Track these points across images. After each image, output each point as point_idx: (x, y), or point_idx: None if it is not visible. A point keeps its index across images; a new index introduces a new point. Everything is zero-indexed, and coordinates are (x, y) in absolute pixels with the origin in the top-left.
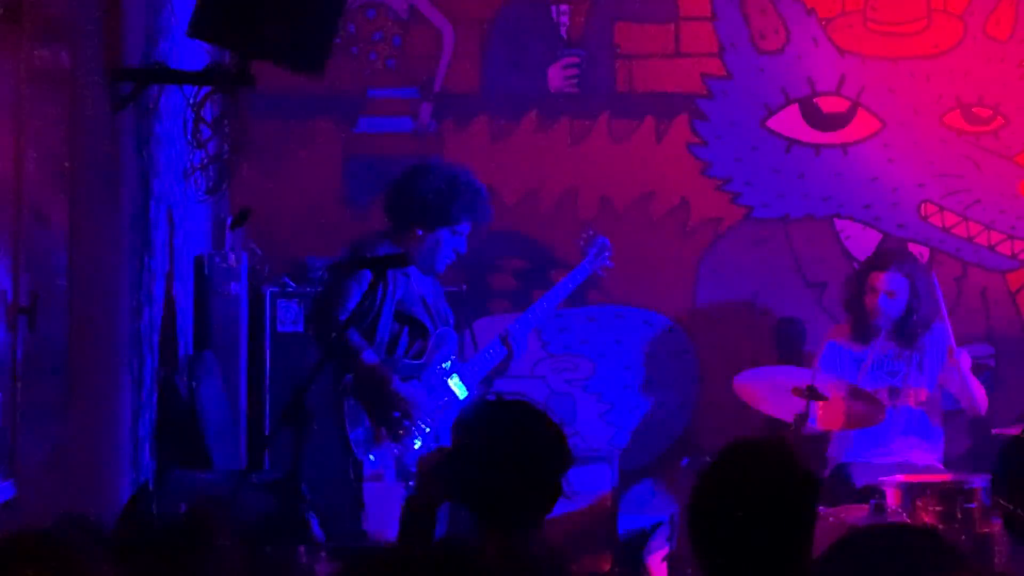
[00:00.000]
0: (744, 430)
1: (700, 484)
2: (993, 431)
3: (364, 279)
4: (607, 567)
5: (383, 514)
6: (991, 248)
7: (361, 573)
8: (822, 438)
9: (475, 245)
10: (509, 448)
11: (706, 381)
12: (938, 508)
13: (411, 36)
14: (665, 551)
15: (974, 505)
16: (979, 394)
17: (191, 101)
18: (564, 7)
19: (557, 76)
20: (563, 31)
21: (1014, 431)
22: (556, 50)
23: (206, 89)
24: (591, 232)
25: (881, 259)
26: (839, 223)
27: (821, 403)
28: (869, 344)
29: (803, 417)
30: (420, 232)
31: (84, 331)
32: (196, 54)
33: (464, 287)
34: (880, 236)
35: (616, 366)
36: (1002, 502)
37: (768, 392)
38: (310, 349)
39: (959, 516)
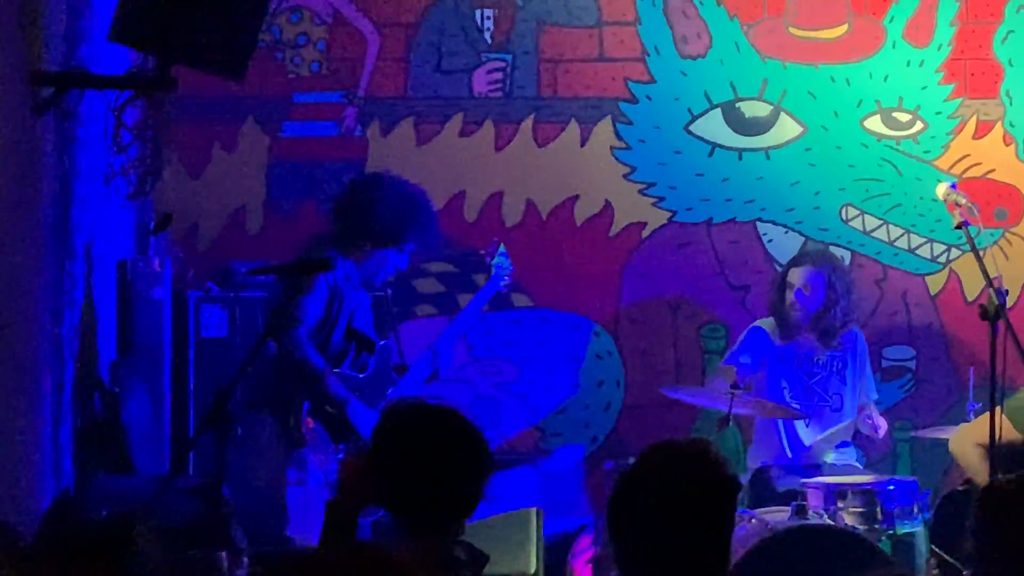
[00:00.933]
0: (669, 432)
1: (620, 486)
2: (913, 433)
3: (319, 292)
4: (531, 570)
5: (306, 519)
6: (912, 251)
7: None
8: (743, 438)
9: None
10: (429, 452)
11: (631, 384)
12: (859, 510)
13: (336, 40)
14: (590, 554)
15: (894, 507)
16: (882, 428)
17: (112, 105)
18: (489, 12)
19: (482, 80)
20: (488, 36)
21: (935, 434)
22: (481, 55)
23: (128, 93)
24: (495, 245)
25: (799, 256)
26: (762, 226)
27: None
28: (792, 342)
29: (726, 419)
30: (369, 247)
31: (3, 336)
32: (118, 58)
33: (389, 292)
34: (802, 239)
35: (541, 369)
36: (936, 550)
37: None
38: (234, 354)
39: (879, 517)
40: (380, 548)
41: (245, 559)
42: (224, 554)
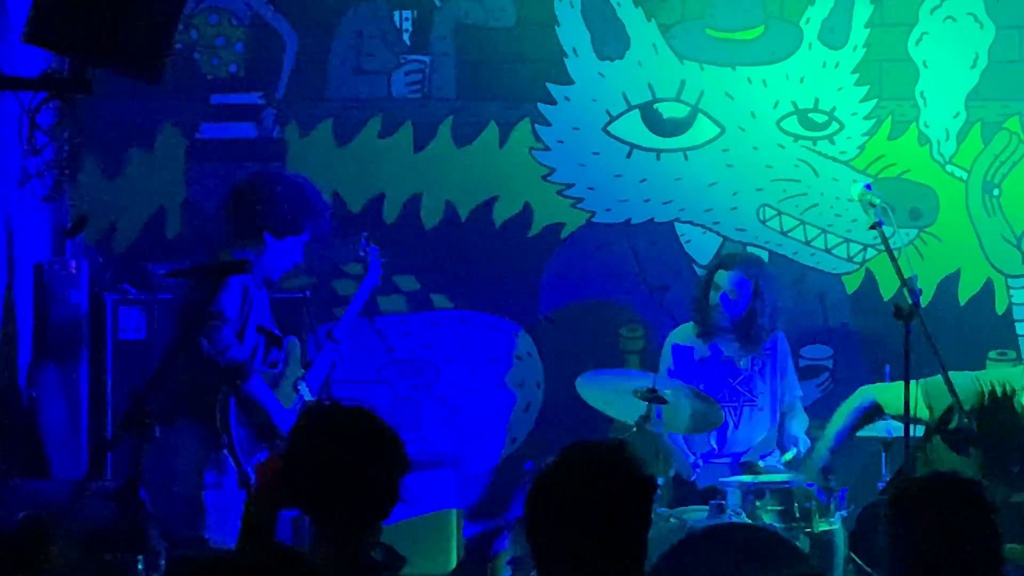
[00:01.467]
0: (589, 432)
1: (537, 486)
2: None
3: (234, 290)
4: (450, 572)
5: (224, 522)
6: (828, 251)
7: None
8: (665, 440)
9: (320, 251)
10: (344, 453)
11: (551, 384)
12: (777, 508)
13: (254, 42)
14: (509, 555)
15: (812, 504)
16: (801, 430)
17: (26, 107)
18: (407, 13)
19: (401, 82)
20: (407, 37)
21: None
22: (399, 56)
23: (42, 95)
24: (364, 241)
25: (727, 259)
26: (680, 227)
27: (663, 406)
28: (712, 343)
29: (645, 419)
30: (269, 240)
31: None
32: (32, 59)
33: (308, 293)
34: (720, 240)
35: (461, 371)
36: (856, 559)
37: (611, 395)
38: (152, 356)
39: (798, 516)
40: (295, 550)
41: (162, 562)
42: (141, 557)
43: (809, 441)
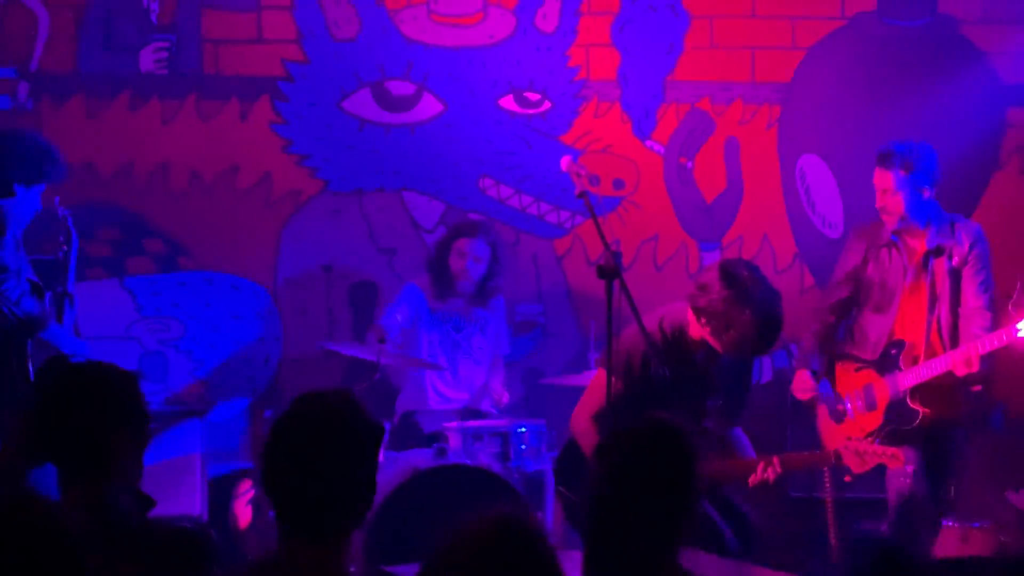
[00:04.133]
0: (325, 383)
1: (272, 433)
2: (541, 381)
3: (9, 243)
4: (197, 510)
5: None
6: (540, 218)
7: None
8: (394, 389)
9: (77, 216)
10: (84, 405)
11: (289, 339)
12: (494, 450)
13: (8, 19)
14: (250, 495)
15: (525, 446)
16: (504, 399)
17: None
18: None
19: (148, 59)
20: (153, 17)
21: (561, 381)
22: (147, 35)
23: None
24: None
25: (468, 227)
26: (407, 195)
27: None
28: (446, 302)
29: (375, 366)
30: (19, 191)
31: None
32: None
33: (61, 255)
34: (444, 207)
35: (206, 327)
36: (563, 491)
37: (351, 349)
38: None
39: (512, 457)
40: (38, 495)
41: None
42: None
43: (507, 394)
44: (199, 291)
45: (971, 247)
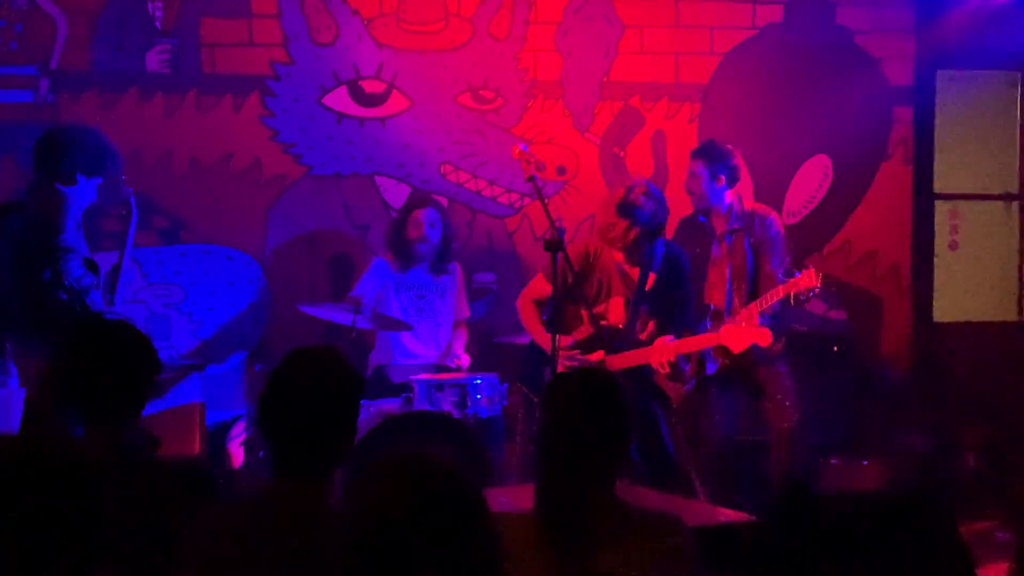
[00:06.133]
0: (305, 340)
1: (270, 382)
2: (495, 339)
3: (71, 226)
4: (197, 449)
5: (7, 416)
6: (494, 199)
7: None
8: (367, 344)
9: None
10: (111, 359)
11: (276, 303)
12: (454, 399)
13: (31, 23)
14: (242, 437)
15: (480, 396)
16: (465, 363)
17: None
18: (159, 3)
19: (153, 59)
20: (158, 23)
21: (510, 339)
22: (152, 38)
23: None
24: (123, 184)
25: (419, 200)
26: (379, 179)
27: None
28: (408, 272)
29: (352, 328)
30: (81, 180)
31: None
32: None
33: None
34: (410, 189)
35: (204, 292)
36: (521, 387)
37: (330, 312)
38: None
39: (468, 405)
40: (59, 433)
41: None
42: None
43: (468, 358)
44: (198, 261)
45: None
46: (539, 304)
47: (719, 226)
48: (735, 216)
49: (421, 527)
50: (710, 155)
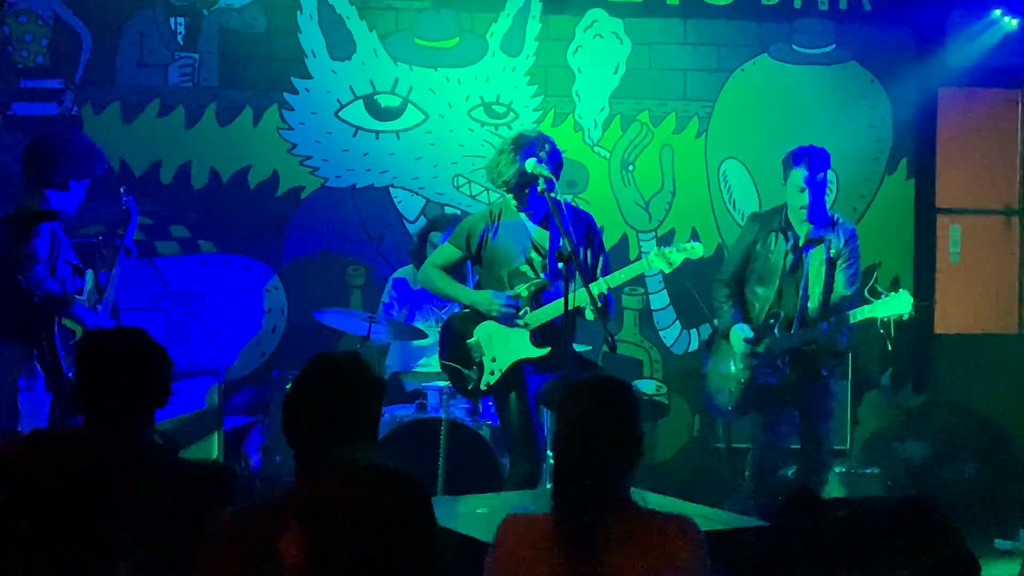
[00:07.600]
0: (321, 347)
1: (294, 388)
2: None
3: (44, 234)
4: (214, 455)
5: (35, 419)
6: None
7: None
8: (383, 352)
9: (114, 208)
10: (120, 365)
11: (292, 311)
12: (466, 406)
13: (57, 38)
14: (259, 443)
15: (492, 403)
16: None
17: None
18: (181, 20)
19: (175, 73)
20: (179, 38)
21: None
22: (174, 53)
23: None
24: (123, 193)
25: (440, 222)
26: (393, 191)
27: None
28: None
29: (366, 338)
30: (72, 184)
31: None
32: None
33: (100, 238)
34: (424, 201)
35: (221, 300)
36: (446, 363)
37: (346, 320)
38: None
39: (480, 411)
40: (82, 435)
41: None
42: None
43: None
44: (216, 270)
45: (846, 243)
46: (447, 269)
47: (801, 233)
48: (818, 225)
49: None
50: (811, 160)
